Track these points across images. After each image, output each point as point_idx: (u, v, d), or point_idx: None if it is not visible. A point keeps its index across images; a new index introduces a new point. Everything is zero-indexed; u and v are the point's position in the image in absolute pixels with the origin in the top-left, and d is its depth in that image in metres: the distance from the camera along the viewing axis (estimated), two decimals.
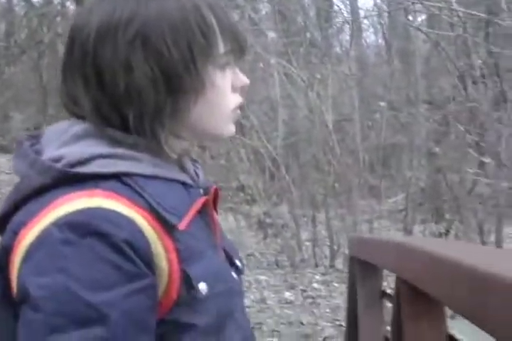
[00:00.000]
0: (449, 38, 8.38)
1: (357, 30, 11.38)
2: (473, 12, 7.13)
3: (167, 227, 1.30)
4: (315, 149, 9.67)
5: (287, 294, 8.09)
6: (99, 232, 1.22)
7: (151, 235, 1.27)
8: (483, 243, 8.02)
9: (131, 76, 1.35)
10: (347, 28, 12.03)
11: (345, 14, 12.04)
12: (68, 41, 1.41)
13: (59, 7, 14.33)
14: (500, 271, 1.51)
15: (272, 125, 10.18)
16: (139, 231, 1.26)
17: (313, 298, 7.89)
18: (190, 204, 1.37)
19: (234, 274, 1.45)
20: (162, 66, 1.35)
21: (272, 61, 8.90)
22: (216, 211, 1.51)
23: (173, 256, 1.29)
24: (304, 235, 10.23)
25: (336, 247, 9.98)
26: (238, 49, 1.44)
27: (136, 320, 1.23)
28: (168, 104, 1.37)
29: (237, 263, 1.52)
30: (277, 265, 9.26)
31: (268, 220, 10.14)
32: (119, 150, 1.35)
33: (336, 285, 9.08)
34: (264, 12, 9.63)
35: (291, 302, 7.85)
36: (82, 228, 1.22)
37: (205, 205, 1.42)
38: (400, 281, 3.00)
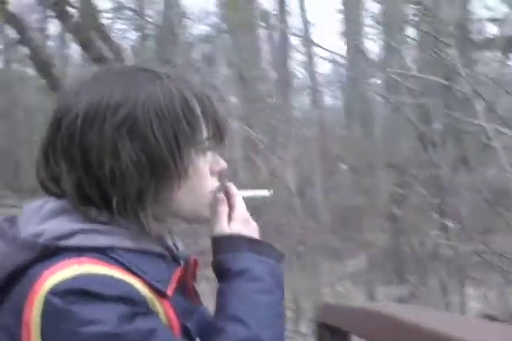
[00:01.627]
0: (408, 103, 8.54)
1: (317, 95, 11.54)
2: (432, 77, 7.28)
3: (158, 293, 1.38)
4: (277, 212, 9.68)
5: None
6: (96, 294, 1.29)
7: (147, 294, 1.35)
8: (447, 305, 8.06)
9: (117, 160, 1.38)
10: (307, 92, 12.23)
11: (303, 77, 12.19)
12: (53, 121, 1.43)
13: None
14: None
15: None
16: (134, 290, 1.34)
17: None
18: (170, 274, 1.43)
19: None
20: (148, 152, 1.39)
21: (234, 125, 8.99)
22: (195, 279, 1.57)
23: (172, 312, 1.38)
24: None
25: (300, 311, 9.92)
26: (219, 135, 1.48)
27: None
28: (151, 189, 1.40)
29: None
30: None
31: None
32: (97, 226, 1.40)
33: None
34: (223, 76, 9.73)
35: None
36: (80, 292, 1.29)
37: (181, 275, 1.47)
38: None
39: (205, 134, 1.45)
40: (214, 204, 1.52)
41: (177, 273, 1.45)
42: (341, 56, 10.34)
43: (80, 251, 1.36)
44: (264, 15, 15.33)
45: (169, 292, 1.39)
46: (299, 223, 9.87)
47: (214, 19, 16.39)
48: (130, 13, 15.48)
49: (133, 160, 1.37)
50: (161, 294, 1.38)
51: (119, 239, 1.40)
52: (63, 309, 1.27)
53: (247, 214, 1.56)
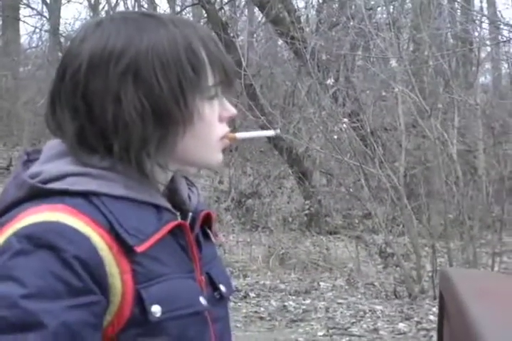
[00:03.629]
0: None
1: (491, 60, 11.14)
2: None
3: (125, 248, 1.32)
4: (438, 180, 9.46)
5: (401, 325, 7.90)
6: (51, 246, 1.26)
7: (105, 254, 1.30)
8: None
9: (120, 108, 1.36)
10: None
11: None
12: (59, 69, 1.42)
13: None
14: None
15: (396, 154, 10.06)
16: (93, 249, 1.29)
17: (427, 330, 7.66)
18: (159, 227, 1.38)
19: (203, 300, 1.43)
20: (152, 99, 1.37)
21: (396, 89, 8.82)
22: (210, 235, 1.55)
23: (128, 276, 1.32)
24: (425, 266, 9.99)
25: None
26: (227, 81, 1.45)
27: (73, 333, 1.24)
28: (155, 137, 1.38)
29: (222, 289, 1.51)
30: (395, 295, 9.07)
31: (389, 250, 9.96)
32: (93, 170, 1.37)
33: None
34: (388, 39, 9.52)
35: (404, 333, 7.67)
36: (37, 240, 1.27)
37: (182, 229, 1.43)
38: None
39: (210, 81, 1.42)
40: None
41: (167, 227, 1.39)
42: None
43: (65, 194, 1.34)
44: None
45: (141, 248, 1.33)
46: (460, 192, 9.59)
47: None
48: None
49: (136, 108, 1.36)
50: (128, 250, 1.33)
51: (111, 185, 1.37)
52: (13, 255, 1.26)
53: None
